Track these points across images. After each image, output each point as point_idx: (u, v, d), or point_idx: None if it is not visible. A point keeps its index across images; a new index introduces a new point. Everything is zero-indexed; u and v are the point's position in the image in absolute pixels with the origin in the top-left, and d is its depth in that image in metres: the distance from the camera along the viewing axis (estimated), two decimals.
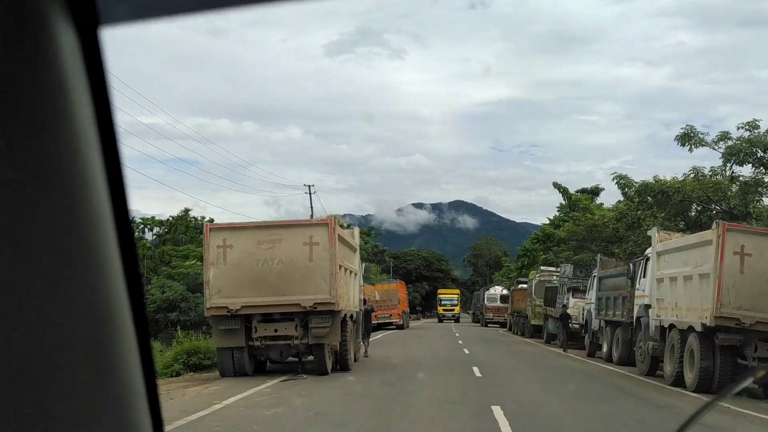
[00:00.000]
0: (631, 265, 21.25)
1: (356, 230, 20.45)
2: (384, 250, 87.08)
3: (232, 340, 16.03)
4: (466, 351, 26.19)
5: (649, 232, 20.16)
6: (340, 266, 16.65)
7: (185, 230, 42.29)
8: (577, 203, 34.54)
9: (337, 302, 15.85)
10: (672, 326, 16.26)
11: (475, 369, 18.15)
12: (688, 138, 23.40)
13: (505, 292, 60.92)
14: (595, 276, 26.86)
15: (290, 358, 16.76)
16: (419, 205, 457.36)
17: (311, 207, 46.58)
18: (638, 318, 19.29)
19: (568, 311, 31.15)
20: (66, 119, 0.84)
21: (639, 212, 26.77)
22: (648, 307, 18.63)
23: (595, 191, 43.14)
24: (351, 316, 18.41)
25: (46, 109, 0.81)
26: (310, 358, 16.41)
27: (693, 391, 14.60)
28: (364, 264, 22.65)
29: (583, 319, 27.78)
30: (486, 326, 59.79)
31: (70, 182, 0.84)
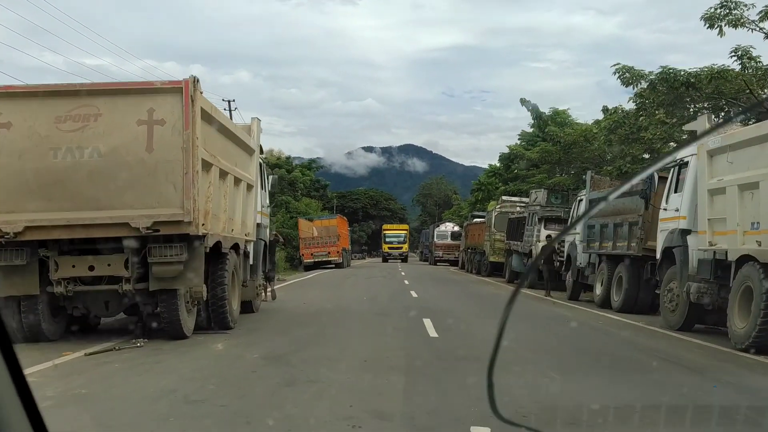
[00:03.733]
0: (653, 176, 15.06)
1: (256, 123, 13.67)
2: (326, 185, 79.98)
3: (14, 285, 9.32)
4: (414, 294, 19.98)
5: (688, 126, 13.98)
6: (209, 164, 9.97)
7: None
8: (555, 117, 28.16)
9: (197, 221, 9.22)
10: (745, 259, 10.19)
11: (428, 323, 11.88)
12: (719, 17, 16.91)
13: (456, 228, 56.01)
14: (581, 200, 20.77)
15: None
16: (369, 149, 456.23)
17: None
18: (668, 249, 13.21)
19: (540, 245, 25.23)
20: None
21: (641, 118, 20.58)
22: (687, 232, 12.56)
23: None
24: (237, 247, 11.82)
25: None
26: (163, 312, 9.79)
27: None
28: (272, 176, 15.78)
29: (562, 254, 21.77)
30: (435, 264, 54.57)
31: None
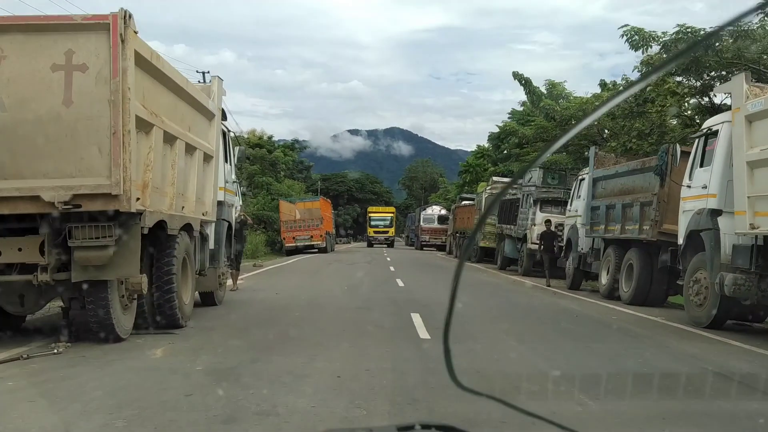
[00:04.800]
0: (673, 147, 13.26)
1: (217, 83, 11.67)
2: (310, 166, 77.86)
3: None
4: (400, 282, 18.15)
5: (721, 88, 12.17)
6: (149, 124, 8.03)
7: None
8: (551, 90, 26.19)
9: (128, 194, 7.29)
10: None
11: (417, 320, 10.09)
12: None
13: (443, 212, 54.20)
14: (584, 179, 18.98)
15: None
16: (355, 132, 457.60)
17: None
18: (694, 233, 11.43)
19: (536, 229, 23.45)
20: None
21: (649, 89, 18.74)
22: (717, 213, 10.79)
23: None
24: (190, 229, 9.88)
25: None
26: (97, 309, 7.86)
27: None
28: (239, 147, 13.78)
29: (561, 238, 19.99)
30: (422, 249, 52.77)
31: None
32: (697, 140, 12.02)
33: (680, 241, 12.02)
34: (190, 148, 9.81)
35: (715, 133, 11.35)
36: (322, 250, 40.57)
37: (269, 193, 47.95)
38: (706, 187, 11.23)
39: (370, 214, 61.61)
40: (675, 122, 19.38)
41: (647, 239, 14.25)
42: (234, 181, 13.36)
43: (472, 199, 39.29)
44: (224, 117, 12.36)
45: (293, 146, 66.63)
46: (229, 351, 7.52)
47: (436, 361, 6.98)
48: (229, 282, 13.81)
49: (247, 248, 36.24)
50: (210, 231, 11.41)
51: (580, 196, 19.09)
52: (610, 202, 16.47)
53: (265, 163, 51.12)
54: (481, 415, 4.58)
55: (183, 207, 9.41)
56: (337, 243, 60.99)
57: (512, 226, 26.33)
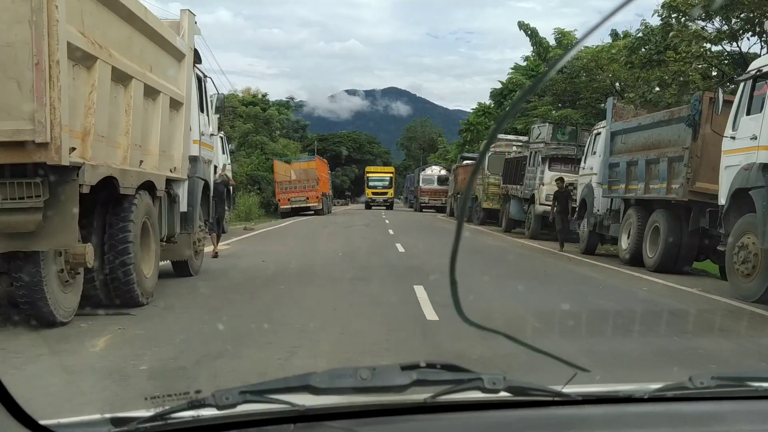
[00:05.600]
0: (705, 96, 11.64)
1: (188, 18, 9.98)
2: (306, 125, 75.78)
3: None
4: (400, 248, 16.66)
5: None
6: (90, 57, 6.44)
7: None
8: (560, 41, 24.31)
9: (58, 142, 5.72)
10: None
11: (421, 294, 8.64)
12: None
13: (443, 172, 52.50)
14: (599, 133, 17.38)
15: None
16: (352, 92, 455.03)
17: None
18: (740, 191, 9.89)
19: (544, 189, 21.92)
20: None
21: (672, 33, 17.04)
22: None
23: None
24: (153, 188, 8.32)
25: None
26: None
27: None
28: (217, 95, 12.07)
29: (573, 199, 18.42)
30: (421, 211, 51.20)
31: None
32: (743, 84, 10.41)
33: (722, 201, 10.48)
34: (151, 92, 8.21)
35: (766, 75, 9.76)
36: (319, 212, 39.05)
37: (263, 153, 46.22)
38: (755, 138, 9.65)
39: (368, 175, 59.04)
40: (699, 68, 17.69)
41: (677, 199, 12.74)
42: (212, 134, 11.74)
43: (474, 159, 37.68)
44: (198, 59, 10.72)
45: (288, 104, 64.61)
46: (190, 340, 6.03)
47: (449, 353, 5.52)
48: (209, 248, 12.33)
49: (240, 210, 34.87)
50: (181, 191, 9.87)
51: (595, 152, 17.52)
52: (631, 158, 14.91)
53: (259, 122, 49.26)
54: None
55: (142, 162, 7.85)
56: (334, 205, 59.42)
57: (518, 186, 24.78)
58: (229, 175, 21.60)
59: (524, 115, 27.05)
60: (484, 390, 1.43)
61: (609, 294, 10.01)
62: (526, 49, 43.84)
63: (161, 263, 10.38)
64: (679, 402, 1.58)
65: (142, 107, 7.82)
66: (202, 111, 11.12)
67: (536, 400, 1.54)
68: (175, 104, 9.21)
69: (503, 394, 1.47)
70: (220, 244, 15.94)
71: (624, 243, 14.97)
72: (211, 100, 11.79)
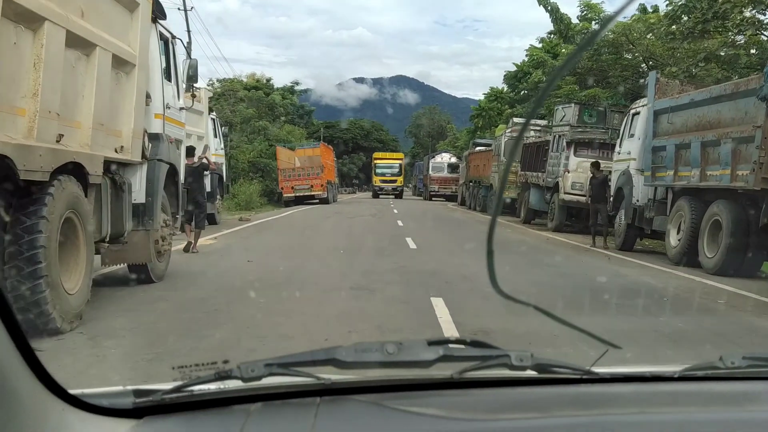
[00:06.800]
0: None
1: None
2: (311, 110, 73.35)
3: None
4: (411, 243, 14.52)
5: None
6: None
7: None
8: (587, 13, 21.93)
9: None
10: None
11: (440, 310, 6.59)
12: None
13: (453, 159, 50.47)
14: (638, 113, 15.20)
15: None
16: (360, 80, 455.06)
17: (188, 31, 32.56)
18: None
19: (570, 177, 19.75)
20: None
21: (722, 1, 14.80)
22: None
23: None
24: (83, 173, 6.22)
25: None
26: None
27: None
28: (189, 60, 9.87)
29: (609, 187, 16.17)
30: (430, 200, 49.19)
31: None
32: None
33: None
34: (81, 44, 6.11)
35: None
36: (324, 201, 37.02)
37: (267, 139, 44.08)
38: None
39: (375, 161, 55.67)
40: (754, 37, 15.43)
41: (745, 188, 10.58)
42: (182, 108, 9.60)
43: (488, 145, 35.46)
44: (162, 14, 8.60)
45: (293, 90, 62.28)
46: None
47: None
48: (176, 247, 10.28)
49: (240, 199, 32.75)
50: (136, 177, 7.78)
51: (633, 134, 15.35)
52: (681, 140, 12.75)
53: (262, 107, 47.08)
54: None
55: (62, 136, 5.74)
56: (341, 193, 57.20)
57: (540, 174, 22.62)
58: (215, 158, 19.59)
59: (551, 99, 24.75)
60: (511, 367, 1.40)
61: (679, 308, 7.87)
62: (533, 38, 41.32)
63: (115, 267, 8.38)
64: (710, 381, 1.55)
65: (62, 62, 5.72)
66: (168, 79, 9.02)
67: (564, 378, 1.50)
68: (122, 65, 7.10)
69: (530, 372, 1.44)
70: (206, 237, 14.02)
71: (673, 239, 12.83)
72: (183, 68, 9.66)
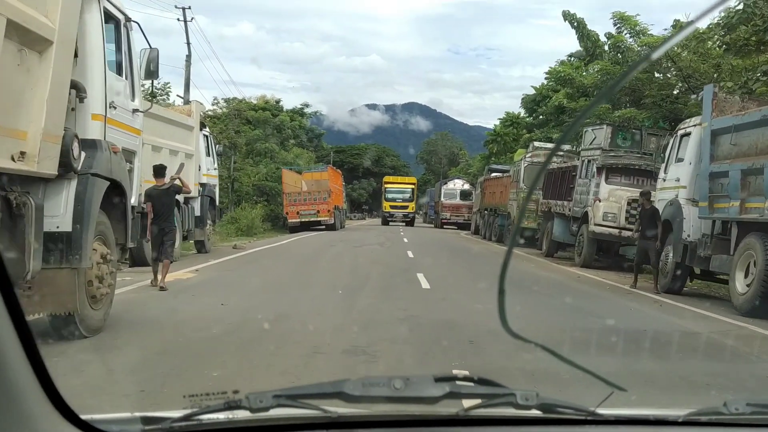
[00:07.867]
0: None
1: None
2: (321, 134, 71.59)
3: None
4: (424, 282, 12.32)
5: None
6: None
7: None
8: (621, 26, 19.89)
9: None
10: None
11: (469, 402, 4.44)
12: None
13: (466, 186, 48.47)
14: (689, 134, 13.14)
15: None
16: (372, 106, 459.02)
17: (188, 43, 30.86)
18: None
19: (602, 206, 17.59)
20: None
21: None
22: None
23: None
24: None
25: None
26: None
27: None
28: (148, 50, 7.86)
29: (660, 220, 13.93)
30: (442, 228, 47.18)
31: None
32: None
33: None
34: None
35: None
36: (330, 227, 34.97)
37: (273, 161, 42.23)
38: None
39: (386, 186, 52.69)
40: None
41: None
42: (136, 110, 7.58)
43: (504, 171, 33.41)
44: None
45: (302, 111, 60.55)
46: None
47: None
48: (143, 283, 8.20)
49: (242, 224, 30.73)
50: (61, 197, 5.74)
51: (682, 158, 13.27)
52: (751, 165, 10.62)
53: (269, 128, 45.27)
54: None
55: None
56: (349, 219, 55.11)
57: (565, 203, 20.51)
58: (207, 179, 17.67)
59: (571, 118, 22.70)
60: (516, 406, 1.40)
61: None
62: (547, 66, 39.09)
63: (31, 317, 6.29)
64: (713, 427, 1.54)
65: None
66: (119, 73, 7.03)
67: (569, 418, 1.50)
68: (30, 39, 5.11)
69: (535, 411, 1.43)
70: (187, 269, 12.07)
71: (740, 284, 10.63)
72: (140, 60, 7.65)
